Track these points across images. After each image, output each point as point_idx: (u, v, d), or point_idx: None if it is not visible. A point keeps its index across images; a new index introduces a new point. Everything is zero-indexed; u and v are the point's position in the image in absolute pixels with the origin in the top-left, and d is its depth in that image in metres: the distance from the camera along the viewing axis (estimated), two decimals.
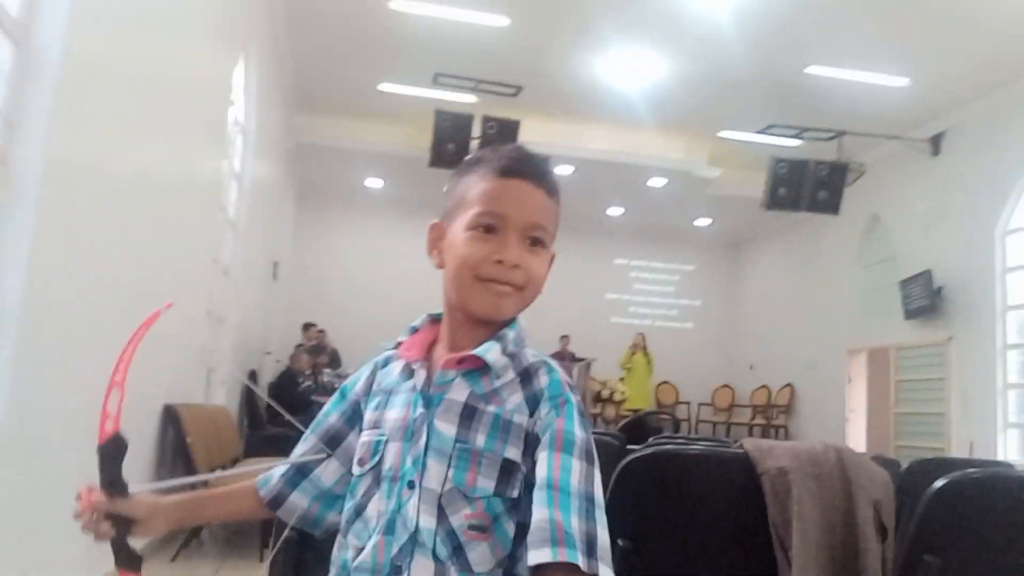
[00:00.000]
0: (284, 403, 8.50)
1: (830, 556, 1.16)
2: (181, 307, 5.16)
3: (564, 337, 11.77)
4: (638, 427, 7.52)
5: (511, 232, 0.95)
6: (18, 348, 2.56)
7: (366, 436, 0.97)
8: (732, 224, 13.15)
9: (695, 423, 13.09)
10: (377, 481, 0.92)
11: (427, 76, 8.23)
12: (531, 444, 0.90)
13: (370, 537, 0.90)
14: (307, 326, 10.45)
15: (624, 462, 1.24)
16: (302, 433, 1.06)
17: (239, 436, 7.07)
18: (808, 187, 8.47)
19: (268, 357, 9.89)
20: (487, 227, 0.95)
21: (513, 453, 0.89)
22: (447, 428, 0.91)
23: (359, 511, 0.93)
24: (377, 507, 0.91)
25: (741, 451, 1.25)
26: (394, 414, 0.95)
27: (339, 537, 0.96)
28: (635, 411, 10.99)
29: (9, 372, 2.52)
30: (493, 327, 0.97)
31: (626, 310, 13.98)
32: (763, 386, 12.42)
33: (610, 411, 10.76)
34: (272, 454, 5.89)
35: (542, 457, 0.87)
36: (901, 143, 8.59)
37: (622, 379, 11.37)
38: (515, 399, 0.92)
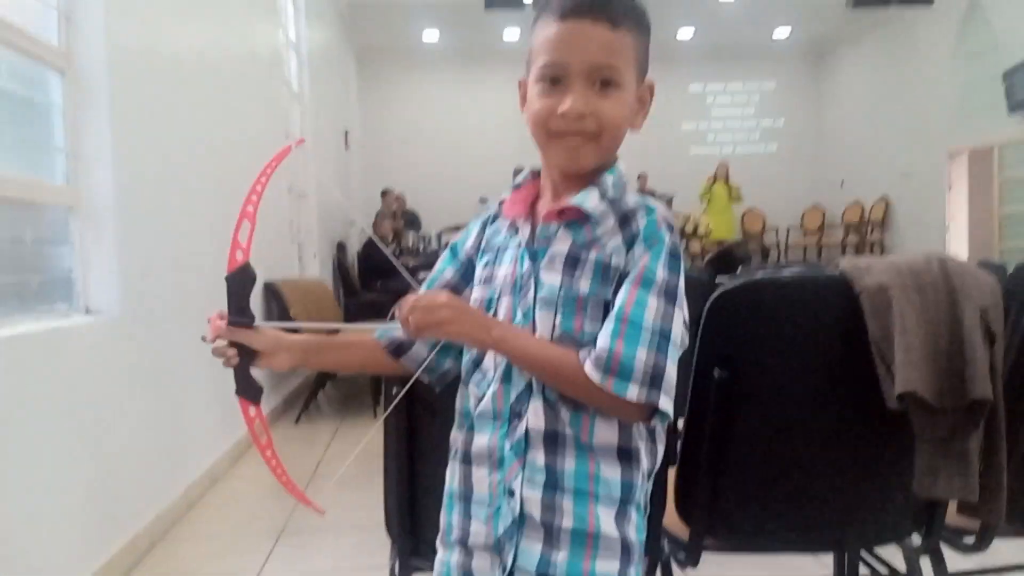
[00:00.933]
0: (373, 269, 8.78)
1: (935, 366, 1.13)
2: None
3: (641, 176, 11.51)
4: (725, 259, 7.45)
5: (575, 79, 0.91)
6: (120, 242, 2.68)
7: (478, 292, 1.00)
8: (814, 31, 12.23)
9: (784, 249, 12.83)
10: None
11: None
12: (621, 282, 0.90)
13: (489, 386, 0.95)
14: (384, 192, 10.54)
15: (713, 297, 1.22)
16: (420, 285, 1.07)
17: (338, 305, 7.38)
18: None
19: (353, 228, 10.12)
20: (552, 79, 0.93)
21: (603, 293, 0.91)
22: (552, 278, 0.92)
23: (477, 363, 0.98)
24: (493, 359, 0.95)
25: (836, 273, 1.20)
26: (503, 270, 0.97)
27: (460, 388, 1.02)
28: (720, 242, 10.83)
29: (116, 264, 2.66)
30: (590, 176, 0.96)
31: (705, 139, 13.49)
32: (856, 202, 11.95)
33: (695, 246, 10.61)
34: (372, 318, 6.16)
35: (621, 292, 0.89)
36: None
37: (704, 211, 11.13)
38: (614, 242, 0.92)
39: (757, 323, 1.24)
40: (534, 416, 0.91)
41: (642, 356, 0.85)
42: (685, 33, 12.18)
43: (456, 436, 1.01)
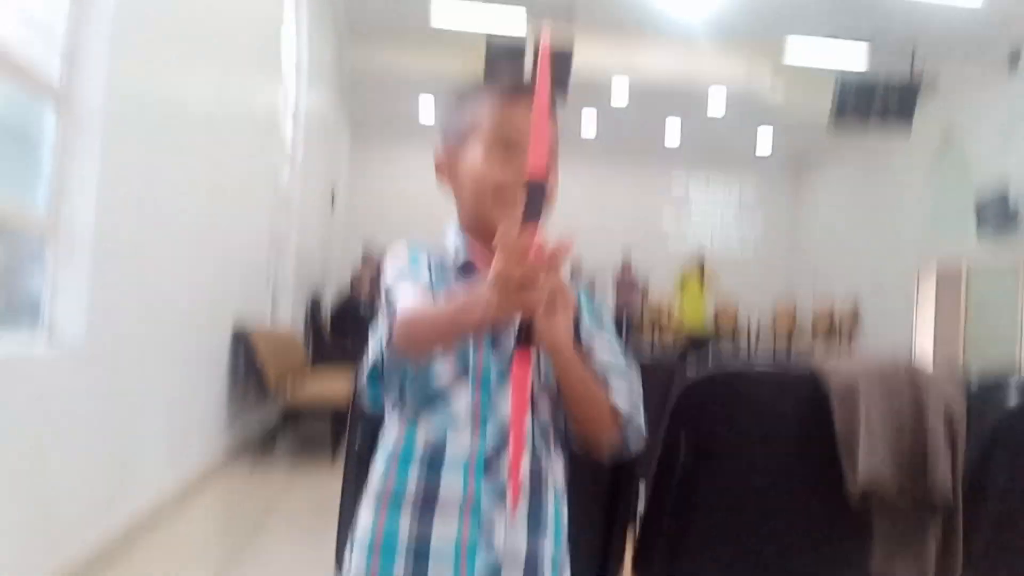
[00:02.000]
0: (346, 330, 8.72)
1: (898, 465, 1.14)
2: (245, 233, 5.29)
3: (626, 254, 11.64)
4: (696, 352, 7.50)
5: (525, 151, 0.92)
6: (92, 274, 2.66)
7: None
8: (796, 146, 12.71)
9: (756, 345, 12.97)
10: (464, 371, 0.92)
11: None
12: (577, 330, 0.96)
13: (453, 429, 0.91)
14: (366, 258, 10.58)
15: (689, 381, 1.24)
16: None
17: (305, 356, 7.30)
18: (877, 107, 8.07)
19: (328, 287, 10.10)
20: (505, 145, 0.96)
21: None
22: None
23: (439, 400, 0.92)
24: (465, 402, 0.91)
25: (807, 370, 1.22)
26: None
27: (399, 425, 0.94)
28: (692, 333, 10.93)
29: (86, 296, 2.63)
30: None
31: (685, 239, 13.79)
32: (827, 310, 12.18)
33: (666, 336, 10.73)
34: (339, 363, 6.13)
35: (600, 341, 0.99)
36: (976, 59, 8.07)
37: (678, 304, 11.28)
38: None
39: (726, 412, 1.25)
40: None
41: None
42: (672, 139, 12.61)
43: (391, 483, 0.91)
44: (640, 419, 0.95)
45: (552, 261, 0.77)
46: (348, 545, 0.94)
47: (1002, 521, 1.27)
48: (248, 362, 5.01)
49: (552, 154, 0.93)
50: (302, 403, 5.32)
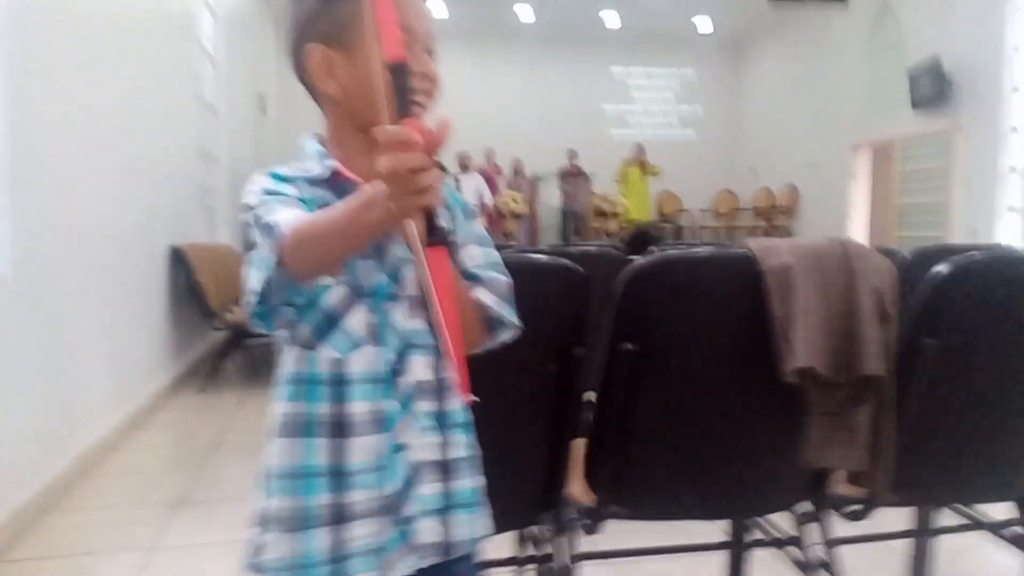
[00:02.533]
0: None
1: (831, 343, 1.18)
2: (171, 146, 5.07)
3: (572, 151, 11.53)
4: (639, 239, 7.58)
5: (418, 45, 0.92)
6: (12, 199, 2.52)
7: None
8: (734, 23, 12.53)
9: (697, 230, 13.20)
10: (355, 294, 0.91)
11: None
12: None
13: (353, 347, 0.90)
14: None
15: (629, 269, 1.24)
16: None
17: None
18: None
19: None
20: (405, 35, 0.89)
21: None
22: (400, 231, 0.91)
23: (334, 321, 0.91)
24: (360, 319, 0.91)
25: (745, 251, 1.24)
26: None
27: (297, 352, 0.92)
28: (635, 222, 11.04)
29: (8, 223, 2.50)
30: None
31: (624, 120, 13.69)
32: (765, 189, 12.38)
33: (612, 225, 10.78)
34: None
35: (469, 248, 1.00)
36: None
37: (620, 193, 11.30)
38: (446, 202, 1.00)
39: (668, 298, 1.26)
40: (421, 369, 0.93)
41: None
42: (612, 20, 12.29)
43: (298, 408, 0.91)
44: (508, 313, 0.98)
45: (437, 145, 0.74)
46: (264, 480, 0.93)
47: (932, 395, 1.33)
48: (188, 282, 4.90)
49: (429, 38, 0.94)
50: (246, 321, 5.25)
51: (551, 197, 11.56)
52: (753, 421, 1.33)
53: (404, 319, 0.92)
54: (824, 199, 10.81)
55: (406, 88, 0.75)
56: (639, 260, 1.26)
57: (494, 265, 1.00)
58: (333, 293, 0.90)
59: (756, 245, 1.23)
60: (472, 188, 10.18)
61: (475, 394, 0.97)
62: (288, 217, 0.84)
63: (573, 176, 11.42)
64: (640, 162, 11.50)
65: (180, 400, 4.62)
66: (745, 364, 1.28)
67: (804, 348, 1.15)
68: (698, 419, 1.35)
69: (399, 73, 0.75)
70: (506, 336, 1.00)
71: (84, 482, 3.07)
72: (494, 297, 0.98)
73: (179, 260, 4.88)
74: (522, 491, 1.37)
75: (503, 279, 0.99)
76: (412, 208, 0.75)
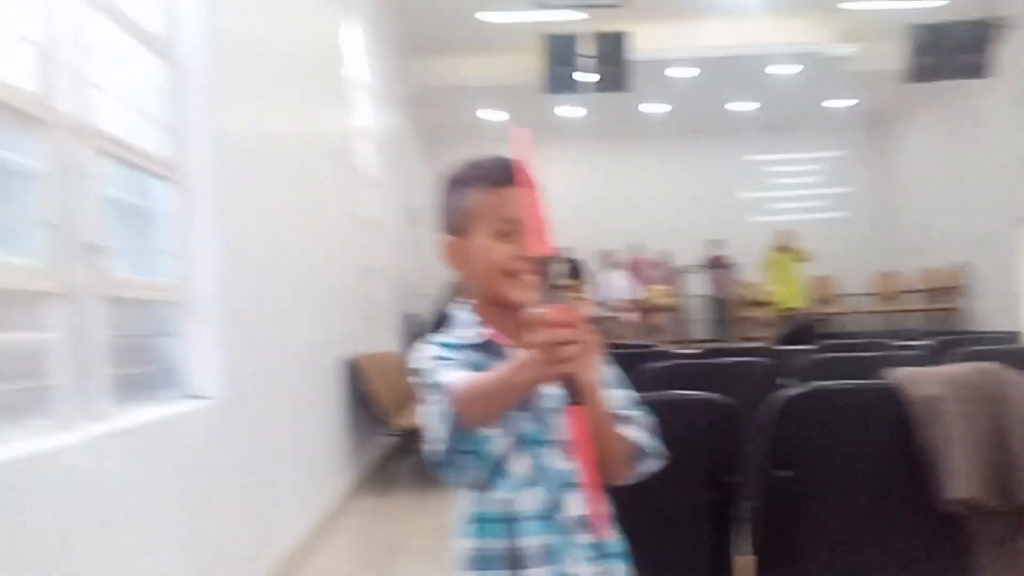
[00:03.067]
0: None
1: (981, 473, 1.21)
2: (339, 263, 5.57)
3: (714, 240, 11.51)
4: (799, 332, 7.43)
5: (522, 231, 1.09)
6: (221, 333, 2.92)
7: None
8: (874, 103, 12.28)
9: (857, 316, 12.62)
10: (520, 443, 1.08)
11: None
12: None
13: (520, 489, 1.07)
14: None
15: (780, 398, 1.34)
16: None
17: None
18: (953, 51, 7.78)
19: (423, 296, 10.42)
20: (503, 228, 1.11)
21: None
22: (552, 389, 1.07)
23: (498, 466, 1.07)
24: (522, 464, 1.07)
25: (893, 382, 1.31)
26: None
27: (471, 494, 1.09)
28: (789, 310, 10.73)
29: (218, 355, 2.89)
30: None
31: (763, 207, 13.50)
32: (927, 268, 11.74)
33: (762, 313, 10.53)
34: None
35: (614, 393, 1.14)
36: None
37: (769, 280, 11.05)
38: None
39: (818, 427, 1.35)
40: (574, 506, 1.07)
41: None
42: (744, 106, 12.39)
43: (476, 544, 1.06)
44: (656, 445, 1.11)
45: (579, 322, 0.91)
46: None
47: None
48: (360, 392, 5.28)
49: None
50: (415, 425, 5.55)
51: (696, 288, 11.50)
52: (917, 546, 1.36)
53: (557, 461, 1.08)
54: (992, 276, 10.13)
55: (549, 277, 0.93)
56: (791, 391, 1.35)
57: (635, 405, 1.15)
58: (499, 442, 1.07)
59: (902, 375, 1.30)
60: (620, 285, 10.32)
61: (639, 522, 1.11)
62: (455, 377, 1.04)
63: (717, 266, 11.35)
64: (787, 248, 11.26)
65: (360, 504, 4.93)
66: (902, 489, 1.33)
67: (958, 478, 1.19)
68: (861, 539, 1.39)
69: (544, 265, 0.93)
70: (654, 465, 1.13)
71: None
72: (641, 431, 1.12)
73: (352, 371, 5.29)
74: None
75: (646, 417, 1.14)
76: (557, 372, 0.92)
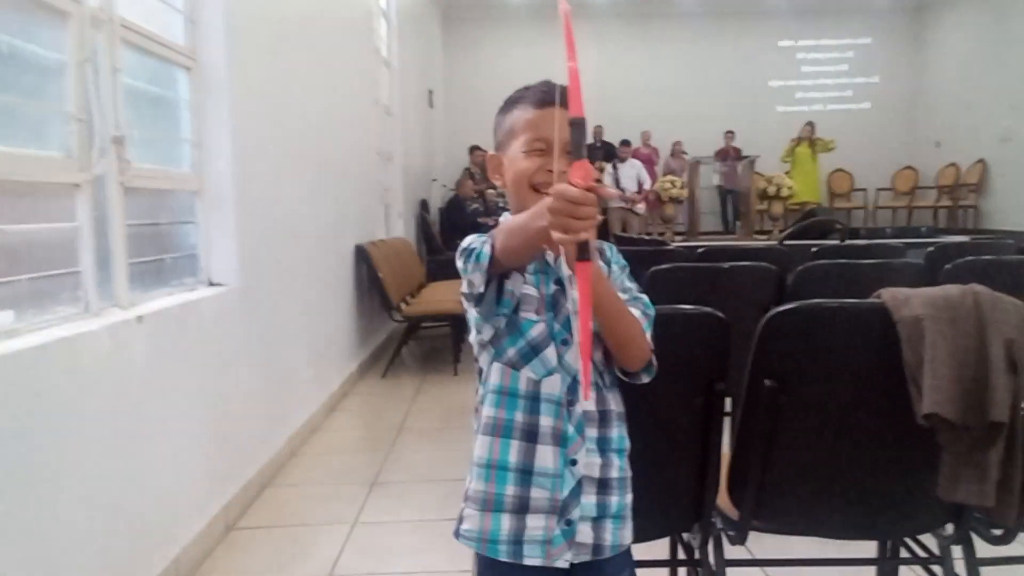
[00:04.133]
0: (454, 227, 9.06)
1: (961, 389, 1.28)
2: (355, 149, 5.57)
3: (728, 133, 11.39)
4: (810, 230, 7.41)
5: (556, 149, 1.12)
6: (236, 220, 2.99)
7: (531, 290, 1.18)
8: None
9: (873, 210, 12.52)
10: (550, 333, 1.17)
11: None
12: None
13: (547, 373, 1.16)
14: (472, 148, 10.77)
15: (767, 316, 1.40)
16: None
17: (421, 263, 7.72)
18: None
19: (435, 184, 10.41)
20: (538, 146, 1.16)
21: None
22: (575, 294, 1.16)
23: (536, 350, 1.17)
24: (553, 353, 1.17)
25: (879, 301, 1.36)
26: (531, 291, 1.18)
27: (502, 367, 1.18)
28: (803, 204, 10.66)
29: (234, 242, 2.97)
30: None
31: (793, 97, 13.16)
32: (951, 165, 11.53)
33: (776, 207, 10.45)
34: (453, 277, 6.42)
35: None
36: None
37: (787, 173, 10.91)
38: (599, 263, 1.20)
39: (806, 341, 1.41)
40: (590, 402, 1.17)
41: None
42: None
43: (501, 414, 1.17)
44: (650, 342, 1.17)
45: (596, 191, 0.92)
46: (470, 465, 1.21)
47: None
48: (371, 277, 5.40)
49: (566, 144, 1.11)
50: (422, 312, 5.70)
51: (712, 180, 11.39)
52: (890, 453, 1.45)
53: (574, 360, 1.16)
54: (1017, 176, 9.97)
55: (581, 140, 0.94)
56: (777, 308, 1.41)
57: (641, 293, 1.23)
58: (536, 328, 1.17)
59: (888, 296, 1.35)
60: (631, 174, 10.24)
61: (636, 423, 1.22)
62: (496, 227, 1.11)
63: (730, 157, 11.19)
64: (810, 140, 11.06)
65: (366, 385, 5.15)
66: (881, 403, 1.40)
67: (932, 395, 1.26)
68: (838, 450, 1.48)
69: (577, 127, 0.94)
70: (653, 373, 1.20)
71: (294, 460, 3.57)
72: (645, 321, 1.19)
73: (362, 257, 5.39)
74: (675, 504, 1.57)
75: (649, 308, 1.21)
76: (570, 232, 0.92)
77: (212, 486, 2.73)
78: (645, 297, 1.24)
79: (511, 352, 1.18)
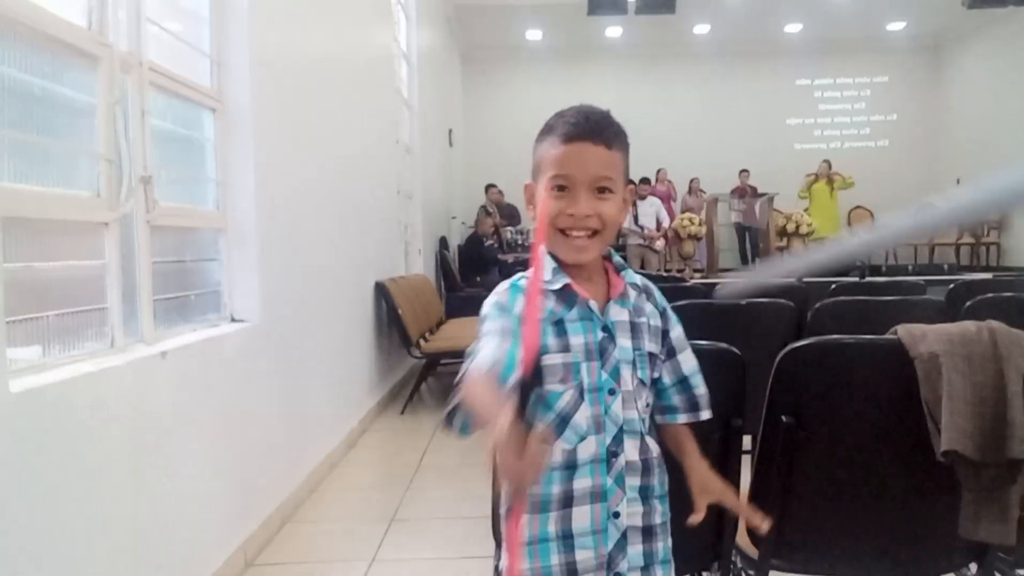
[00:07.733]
0: (473, 264, 9.12)
1: (979, 426, 1.27)
2: (376, 188, 5.65)
3: (743, 172, 11.45)
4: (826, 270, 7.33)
5: (579, 188, 1.15)
6: (259, 257, 3.04)
7: (559, 359, 1.15)
8: (930, 25, 11.78)
9: (895, 247, 12.42)
10: (580, 394, 1.15)
11: None
12: (664, 339, 1.23)
13: (580, 439, 1.14)
14: (489, 187, 10.88)
15: (784, 351, 1.40)
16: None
17: (440, 300, 7.75)
18: None
19: (454, 221, 10.50)
20: (559, 187, 1.15)
21: (656, 348, 1.22)
22: (625, 342, 1.17)
23: (565, 420, 1.14)
24: (585, 414, 1.14)
25: (895, 337, 1.36)
26: (579, 340, 1.16)
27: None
28: (823, 240, 10.61)
29: (257, 279, 3.02)
30: (592, 261, 1.19)
31: (811, 134, 13.20)
32: None
33: (796, 244, 10.42)
34: (471, 314, 6.44)
35: (685, 354, 1.25)
36: None
37: (806, 210, 10.89)
38: (649, 309, 1.22)
39: (822, 377, 1.41)
40: (631, 451, 1.16)
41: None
42: (793, 27, 11.96)
43: (537, 490, 1.13)
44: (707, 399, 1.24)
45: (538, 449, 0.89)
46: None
47: None
48: (390, 314, 5.44)
49: (597, 179, 1.15)
50: (441, 349, 5.71)
51: (731, 217, 11.39)
52: (911, 492, 1.44)
53: (620, 410, 1.15)
54: None
55: (527, 401, 0.90)
56: (794, 344, 1.42)
57: (698, 372, 1.25)
58: (564, 397, 1.14)
59: (905, 332, 1.35)
60: (650, 212, 10.27)
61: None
62: (481, 362, 1.05)
63: (747, 195, 11.20)
64: (828, 177, 11.07)
65: (385, 422, 5.15)
66: (900, 440, 1.40)
67: (950, 432, 1.26)
68: (856, 487, 1.48)
69: (525, 388, 0.90)
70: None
71: (314, 496, 3.57)
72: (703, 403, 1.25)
73: (382, 293, 5.43)
74: (695, 542, 1.56)
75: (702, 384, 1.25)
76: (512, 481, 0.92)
77: (232, 521, 2.74)
78: (699, 375, 1.25)
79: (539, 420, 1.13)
